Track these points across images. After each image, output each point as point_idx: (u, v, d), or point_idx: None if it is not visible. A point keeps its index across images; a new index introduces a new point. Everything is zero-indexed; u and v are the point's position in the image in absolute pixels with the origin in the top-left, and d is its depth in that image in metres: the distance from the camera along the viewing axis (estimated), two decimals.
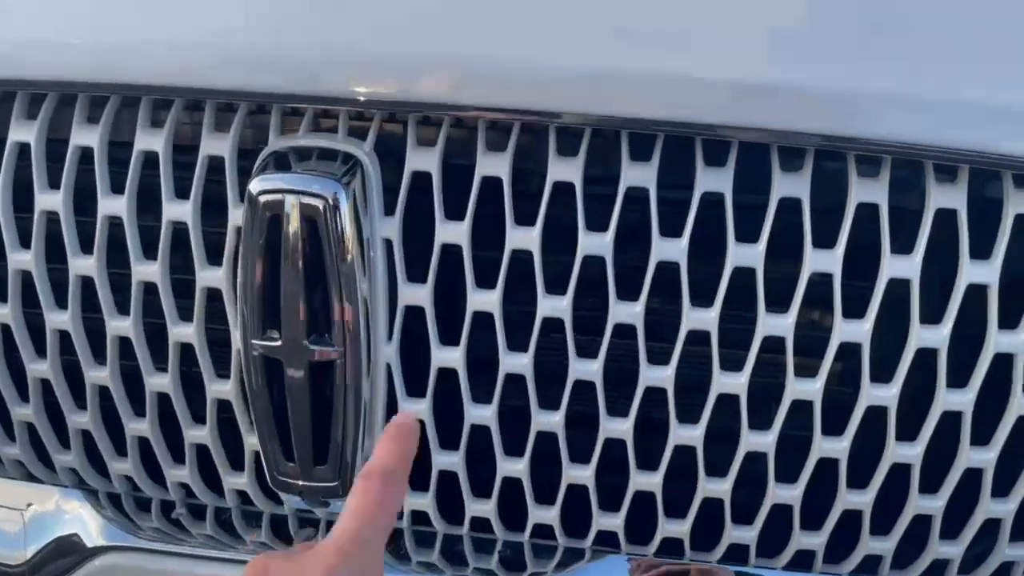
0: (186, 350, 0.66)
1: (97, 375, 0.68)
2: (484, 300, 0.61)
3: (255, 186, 0.57)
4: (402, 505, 0.52)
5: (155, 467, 0.72)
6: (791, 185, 0.57)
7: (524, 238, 0.59)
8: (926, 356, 0.59)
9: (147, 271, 0.63)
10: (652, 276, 0.59)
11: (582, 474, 0.65)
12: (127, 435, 0.70)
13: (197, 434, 0.68)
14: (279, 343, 0.60)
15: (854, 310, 0.59)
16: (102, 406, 0.70)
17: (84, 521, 0.76)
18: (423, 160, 0.60)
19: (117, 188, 0.63)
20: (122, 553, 0.74)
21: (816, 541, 0.65)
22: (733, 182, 0.58)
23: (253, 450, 0.67)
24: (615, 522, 0.67)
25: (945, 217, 0.57)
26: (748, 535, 0.66)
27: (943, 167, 0.57)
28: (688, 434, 0.62)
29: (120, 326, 0.65)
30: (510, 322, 0.61)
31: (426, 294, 0.61)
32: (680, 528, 0.66)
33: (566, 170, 0.59)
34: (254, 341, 0.60)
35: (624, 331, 0.60)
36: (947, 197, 0.57)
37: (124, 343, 0.66)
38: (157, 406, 0.69)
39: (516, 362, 0.62)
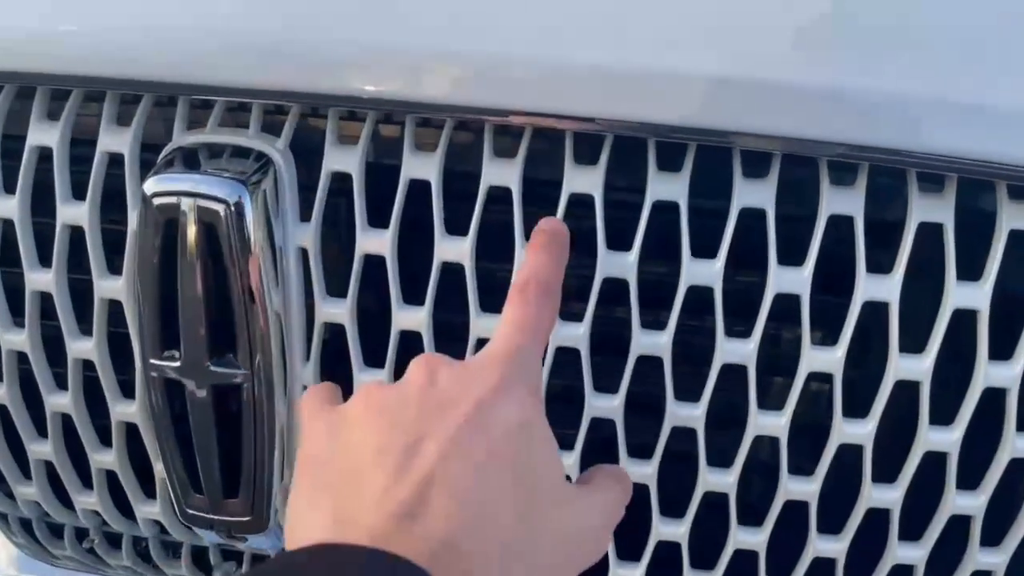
0: (91, 367, 0.59)
1: None
2: (410, 318, 0.54)
3: (149, 187, 0.51)
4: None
5: (66, 492, 0.66)
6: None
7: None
8: (907, 389, 0.52)
9: (41, 280, 0.57)
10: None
11: None
12: (29, 458, 0.64)
13: (103, 459, 0.62)
14: (178, 363, 0.53)
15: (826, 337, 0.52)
16: (3, 424, 0.64)
17: None
18: (343, 159, 0.53)
19: (10, 188, 0.57)
20: None
21: None
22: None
23: (162, 478, 0.61)
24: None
25: (930, 232, 0.50)
26: None
27: (928, 175, 0.50)
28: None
29: (14, 340, 0.59)
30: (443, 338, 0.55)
31: (347, 311, 0.54)
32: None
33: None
34: (152, 360, 0.54)
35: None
36: (932, 209, 0.50)
37: (23, 358, 0.60)
38: (61, 427, 0.62)
39: None
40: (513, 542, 0.37)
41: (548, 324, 0.46)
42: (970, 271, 0.50)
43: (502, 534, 0.37)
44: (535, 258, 0.47)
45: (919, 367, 0.51)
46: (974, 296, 0.50)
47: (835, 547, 0.56)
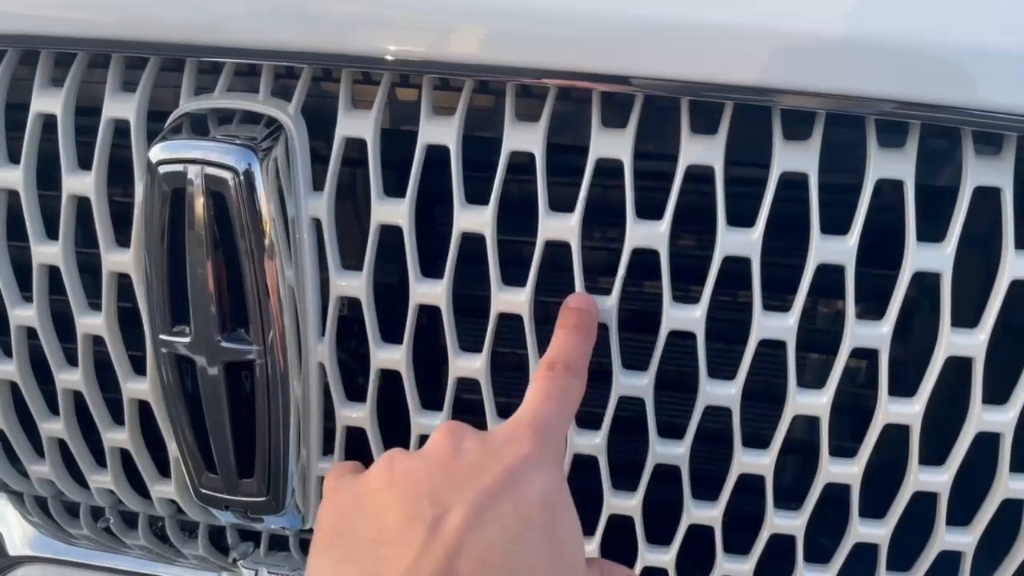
0: (102, 342, 0.57)
1: (4, 369, 0.60)
2: (429, 292, 0.51)
3: (154, 154, 0.48)
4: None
5: (80, 470, 0.65)
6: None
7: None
8: (958, 370, 0.48)
9: (48, 253, 0.55)
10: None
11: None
12: (42, 436, 0.62)
13: (116, 437, 0.60)
14: (189, 339, 0.51)
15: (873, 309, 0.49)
16: (15, 402, 0.62)
17: (8, 525, 0.69)
18: (357, 125, 0.50)
19: (15, 158, 0.54)
20: (46, 565, 0.67)
21: None
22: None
23: (176, 457, 0.59)
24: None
25: (985, 197, 0.46)
26: None
27: (984, 135, 0.46)
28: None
29: (22, 315, 0.57)
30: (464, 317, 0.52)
31: (362, 284, 0.52)
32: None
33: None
34: (162, 336, 0.52)
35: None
36: (989, 172, 0.46)
37: (32, 334, 0.58)
38: (73, 404, 0.61)
39: (468, 365, 0.52)
40: None
41: (574, 402, 0.45)
42: None
43: None
44: (564, 337, 0.46)
45: (972, 342, 0.47)
46: None
47: (878, 532, 0.53)
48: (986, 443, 0.50)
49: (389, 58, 0.47)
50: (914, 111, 0.44)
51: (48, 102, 0.53)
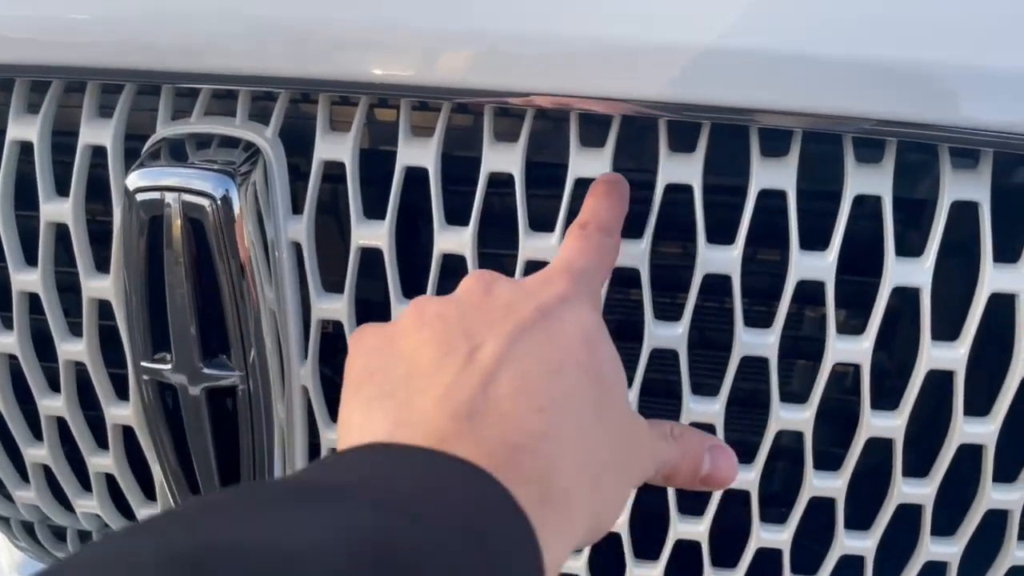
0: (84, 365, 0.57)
1: None
2: None
3: (132, 181, 0.48)
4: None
5: (66, 495, 0.64)
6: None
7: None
8: (939, 382, 0.48)
9: (27, 280, 0.55)
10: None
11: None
12: (26, 461, 0.62)
13: (101, 462, 0.60)
14: (170, 366, 0.51)
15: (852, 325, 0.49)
16: None
17: None
18: (335, 147, 0.50)
19: None
20: None
21: None
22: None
23: (160, 480, 0.59)
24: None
25: (963, 211, 0.47)
26: None
27: (961, 151, 0.47)
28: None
29: (3, 342, 0.57)
30: None
31: (344, 306, 0.52)
32: None
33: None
34: (143, 363, 0.52)
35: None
36: (967, 187, 0.46)
37: (14, 359, 0.58)
38: (57, 430, 0.60)
39: None
40: (586, 448, 0.33)
41: (609, 257, 0.44)
42: (1007, 252, 0.47)
43: (576, 436, 0.33)
44: (595, 202, 0.45)
45: (953, 356, 0.48)
46: (1012, 279, 0.46)
47: (864, 544, 0.54)
48: (968, 454, 0.51)
49: (368, 80, 0.47)
50: (893, 128, 0.45)
51: (24, 129, 0.53)
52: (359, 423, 0.34)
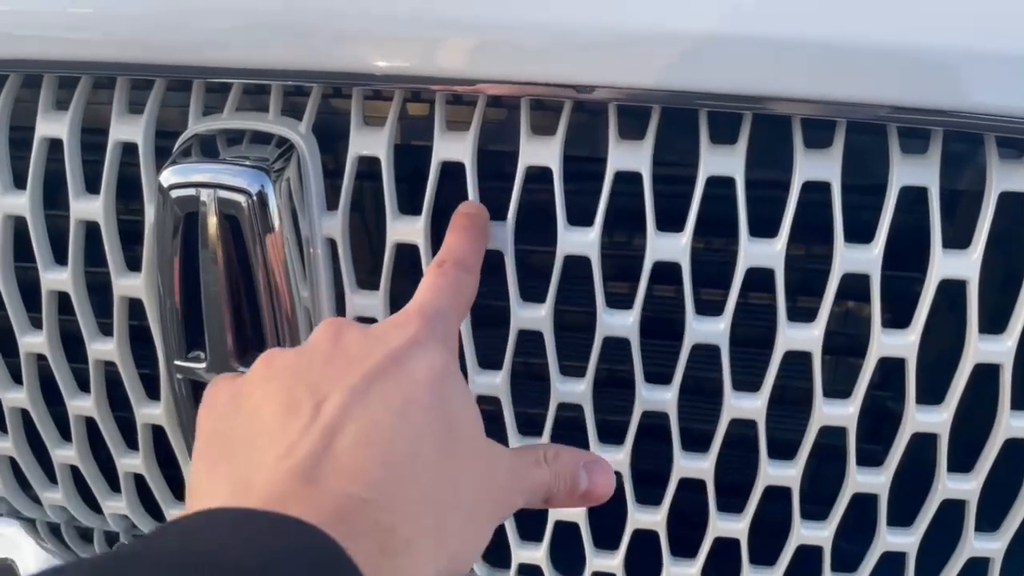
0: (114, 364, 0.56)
1: (15, 397, 0.59)
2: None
3: (165, 178, 0.48)
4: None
5: (93, 495, 0.64)
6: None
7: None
8: (986, 376, 0.48)
9: (57, 279, 0.54)
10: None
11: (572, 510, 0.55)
12: (54, 462, 0.61)
13: (130, 462, 0.60)
14: (204, 365, 0.50)
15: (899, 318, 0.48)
16: (26, 428, 0.61)
17: (21, 552, 0.68)
18: (370, 142, 0.49)
19: (20, 183, 0.54)
20: None
21: None
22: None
23: None
24: (612, 563, 0.57)
25: (1011, 202, 0.46)
26: None
27: (1008, 140, 0.46)
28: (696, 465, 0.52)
29: (32, 342, 0.56)
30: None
31: (380, 304, 0.51)
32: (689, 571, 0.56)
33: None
34: (177, 362, 0.51)
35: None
36: (1015, 177, 0.46)
37: (43, 358, 0.58)
38: (85, 430, 0.60)
39: (488, 381, 0.52)
40: (432, 491, 0.33)
41: (466, 296, 0.44)
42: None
43: (420, 482, 0.33)
44: (454, 238, 0.46)
45: (1000, 349, 0.47)
46: None
47: (907, 540, 0.53)
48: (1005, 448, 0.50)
49: (393, 75, 0.46)
50: (938, 118, 0.44)
51: (53, 126, 0.52)
52: (203, 487, 0.35)
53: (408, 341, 0.38)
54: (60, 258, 0.54)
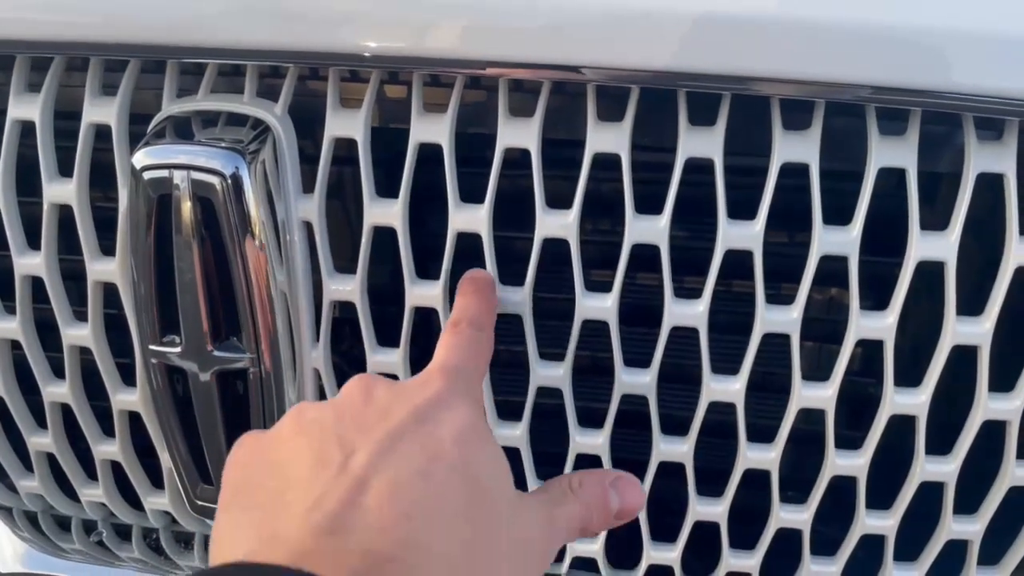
0: (89, 352, 0.56)
1: None
2: (425, 294, 0.50)
3: (138, 160, 0.47)
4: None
5: (70, 483, 0.63)
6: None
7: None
8: (964, 357, 0.48)
9: (30, 264, 0.53)
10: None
11: None
12: (30, 450, 0.61)
13: (107, 449, 0.59)
14: (179, 349, 0.50)
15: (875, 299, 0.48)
16: (2, 418, 0.60)
17: None
18: (346, 124, 0.49)
19: None
20: None
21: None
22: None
23: (169, 468, 0.58)
24: (592, 547, 0.57)
25: (988, 184, 0.46)
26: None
27: (986, 121, 0.46)
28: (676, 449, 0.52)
29: (6, 328, 0.55)
30: None
31: (356, 288, 0.51)
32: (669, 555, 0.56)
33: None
34: (151, 347, 0.50)
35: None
36: (992, 158, 0.46)
37: (17, 346, 0.57)
38: (61, 417, 0.59)
39: None
40: (461, 550, 0.34)
41: (484, 353, 0.45)
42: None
43: (448, 541, 0.33)
44: (464, 300, 0.47)
45: (978, 331, 0.47)
46: None
47: (885, 523, 0.53)
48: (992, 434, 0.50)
49: (369, 55, 0.46)
50: (916, 98, 0.44)
51: (26, 108, 0.51)
52: (227, 539, 0.35)
53: (434, 399, 0.38)
54: (33, 245, 0.53)
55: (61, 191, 0.51)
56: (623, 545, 0.57)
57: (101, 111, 0.51)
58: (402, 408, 0.37)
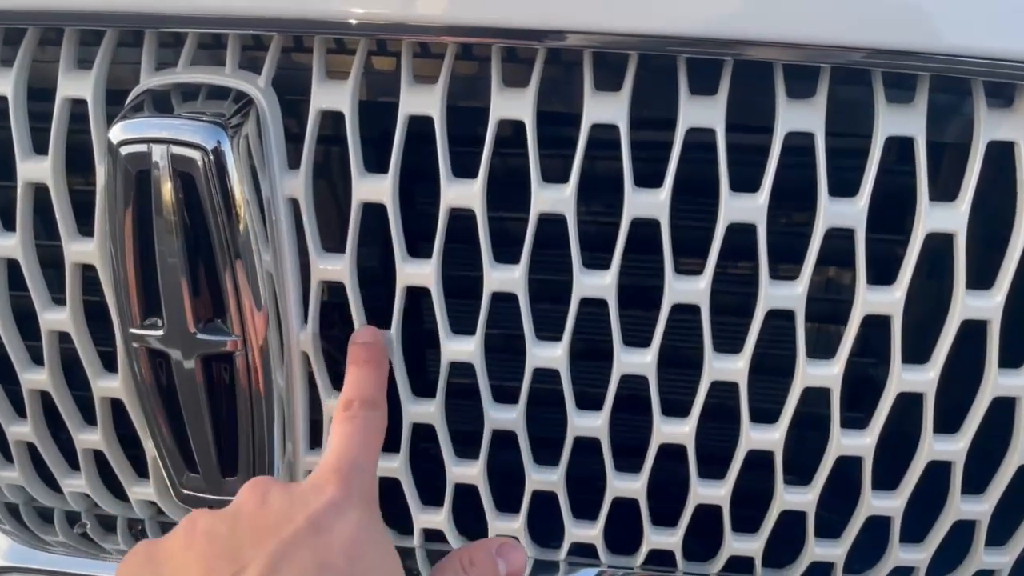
0: (68, 338, 0.54)
1: None
2: (417, 273, 0.48)
3: (115, 134, 0.45)
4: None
5: (52, 474, 0.61)
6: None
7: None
8: (972, 336, 0.46)
9: (6, 245, 0.51)
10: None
11: (550, 479, 0.53)
12: (9, 440, 0.59)
13: (89, 438, 0.57)
14: (162, 332, 0.48)
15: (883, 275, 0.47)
16: None
17: None
18: (333, 96, 0.47)
19: None
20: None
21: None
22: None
23: (153, 456, 0.56)
24: (591, 532, 0.56)
25: (998, 152, 0.44)
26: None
27: (996, 88, 0.44)
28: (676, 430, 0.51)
29: None
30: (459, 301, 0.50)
31: (345, 267, 0.49)
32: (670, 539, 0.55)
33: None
34: (132, 330, 0.48)
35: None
36: (1003, 126, 0.44)
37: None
38: (41, 405, 0.57)
39: (461, 348, 0.50)
40: None
41: (377, 434, 0.46)
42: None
43: None
44: (355, 374, 0.47)
45: (988, 304, 0.46)
46: None
47: (892, 504, 0.52)
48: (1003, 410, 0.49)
49: (356, 22, 0.44)
50: (919, 62, 0.42)
51: None
52: None
53: (325, 506, 0.39)
54: (8, 227, 0.51)
55: (36, 169, 0.49)
56: (623, 530, 0.55)
57: (76, 84, 0.48)
58: (296, 517, 0.38)
